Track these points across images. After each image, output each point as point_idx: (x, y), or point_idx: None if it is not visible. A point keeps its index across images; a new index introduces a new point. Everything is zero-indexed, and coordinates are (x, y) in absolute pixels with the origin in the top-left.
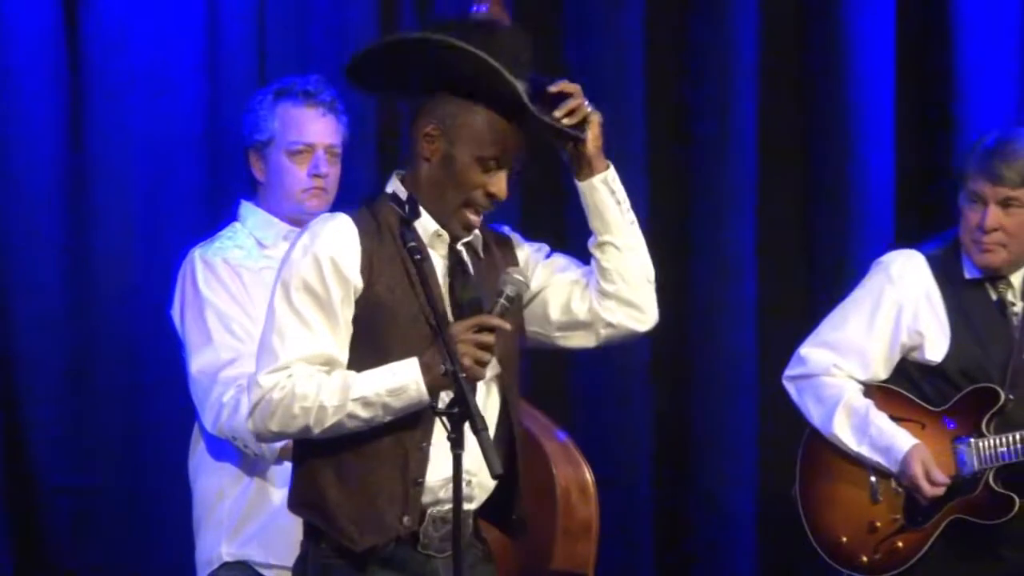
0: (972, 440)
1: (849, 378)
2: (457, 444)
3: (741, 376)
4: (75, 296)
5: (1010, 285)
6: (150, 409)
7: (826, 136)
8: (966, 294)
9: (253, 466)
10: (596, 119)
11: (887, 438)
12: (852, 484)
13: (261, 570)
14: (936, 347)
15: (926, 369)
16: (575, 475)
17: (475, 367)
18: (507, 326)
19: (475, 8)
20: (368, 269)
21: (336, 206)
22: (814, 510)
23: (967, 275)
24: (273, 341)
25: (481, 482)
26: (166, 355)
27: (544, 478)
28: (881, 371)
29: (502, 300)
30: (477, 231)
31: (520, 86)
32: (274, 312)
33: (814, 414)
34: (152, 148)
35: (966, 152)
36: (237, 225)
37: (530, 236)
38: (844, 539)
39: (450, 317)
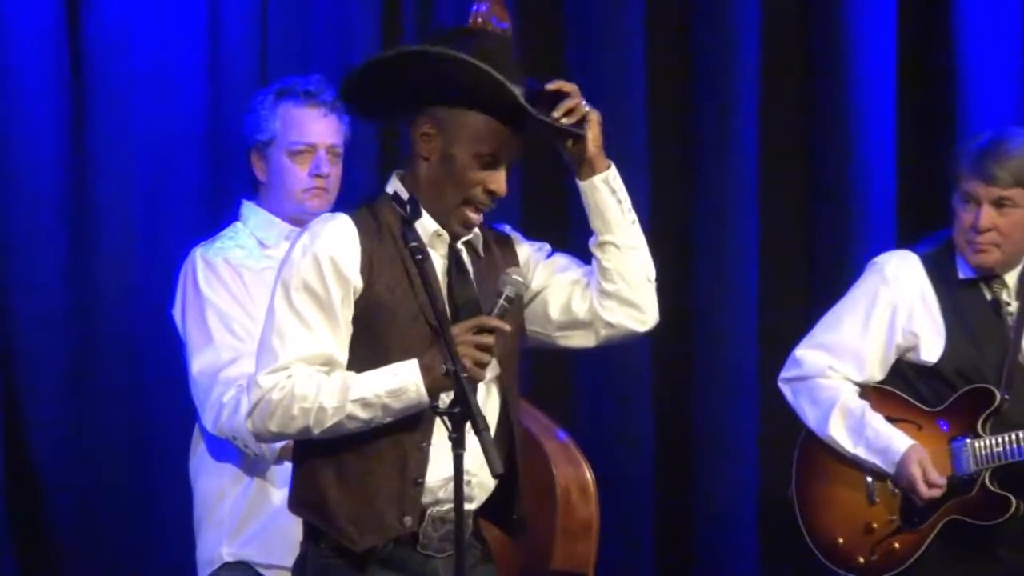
0: (968, 441)
1: (845, 380)
2: (458, 444)
3: (742, 376)
4: (76, 296)
5: (1005, 285)
6: (151, 409)
7: (827, 136)
8: (961, 294)
9: (253, 466)
10: (595, 117)
11: (884, 439)
12: (848, 486)
13: (261, 570)
14: (931, 348)
15: (922, 370)
16: (575, 475)
17: (475, 368)
18: (506, 328)
19: (475, 7)
20: (368, 269)
21: (337, 206)
22: (810, 512)
23: (961, 275)
24: (273, 341)
25: (481, 482)
26: (167, 355)
27: (544, 478)
28: (876, 372)
29: (501, 301)
30: (477, 230)
31: (517, 91)
32: (274, 312)
33: (810, 416)
34: (153, 148)
35: (959, 153)
36: (239, 225)
37: (532, 235)
38: (841, 540)
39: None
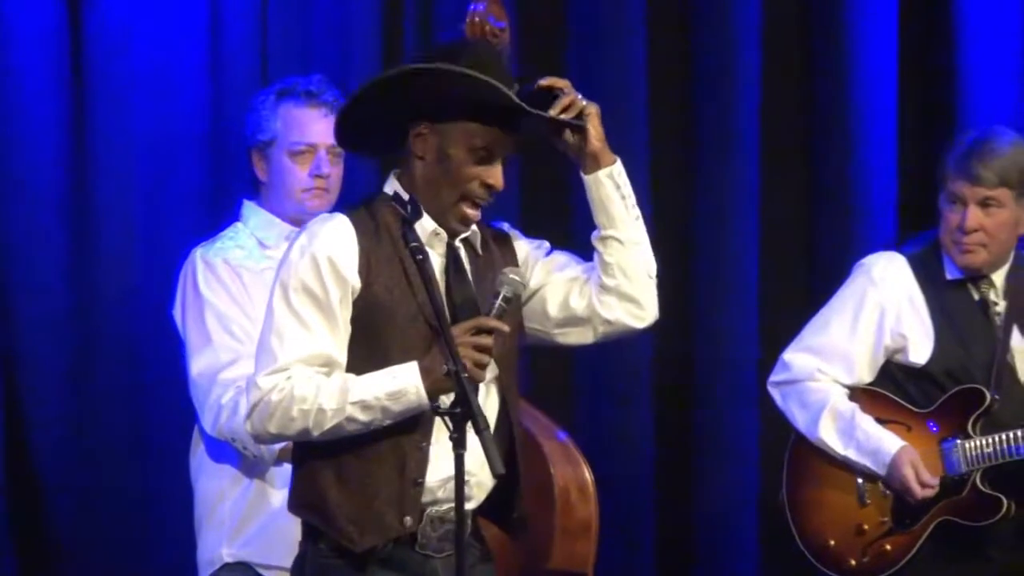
0: (959, 441)
1: (834, 382)
2: (459, 444)
3: (742, 376)
4: (77, 296)
5: (992, 284)
6: (151, 409)
7: (828, 137)
8: (948, 295)
9: (253, 468)
10: (594, 110)
11: (874, 441)
12: (839, 488)
13: (261, 571)
14: (920, 349)
15: (911, 371)
16: (574, 474)
17: (474, 369)
18: (505, 328)
19: (472, 7)
20: (366, 269)
21: (338, 206)
22: (801, 515)
23: (949, 276)
24: (272, 342)
25: (480, 481)
26: (167, 355)
27: (542, 478)
28: (865, 374)
29: (499, 301)
30: (475, 228)
31: (512, 92)
32: (272, 313)
33: (799, 419)
34: (154, 148)
35: (945, 153)
36: (239, 225)
37: (531, 232)
38: (832, 543)
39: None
